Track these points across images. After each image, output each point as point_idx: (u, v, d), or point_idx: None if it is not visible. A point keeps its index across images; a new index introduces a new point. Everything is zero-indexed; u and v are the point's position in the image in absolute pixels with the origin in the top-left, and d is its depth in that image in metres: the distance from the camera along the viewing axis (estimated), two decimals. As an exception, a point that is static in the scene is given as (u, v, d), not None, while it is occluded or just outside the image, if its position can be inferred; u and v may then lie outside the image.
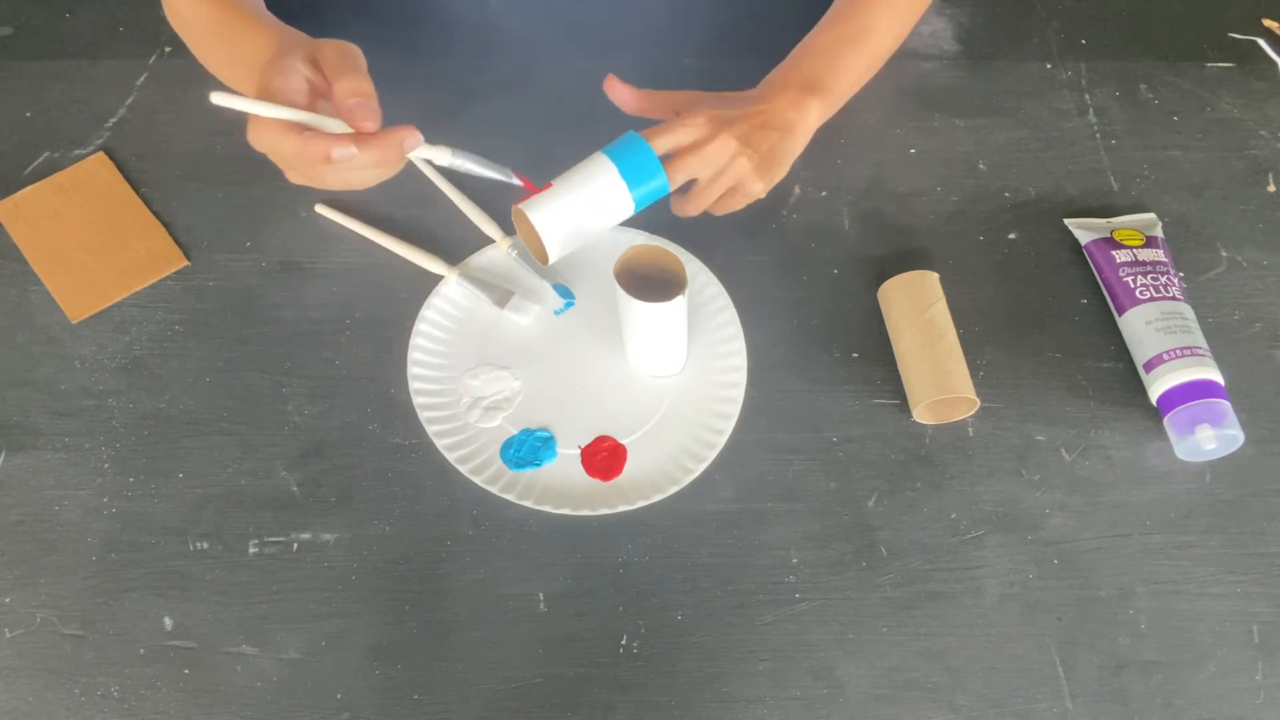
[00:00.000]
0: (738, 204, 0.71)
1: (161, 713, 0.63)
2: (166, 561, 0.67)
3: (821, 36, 0.75)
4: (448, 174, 0.74)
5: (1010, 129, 0.84)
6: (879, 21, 0.76)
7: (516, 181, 0.64)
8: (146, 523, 0.68)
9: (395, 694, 0.63)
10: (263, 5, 0.72)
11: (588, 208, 0.65)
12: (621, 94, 0.71)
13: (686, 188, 0.71)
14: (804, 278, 0.77)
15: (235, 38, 0.68)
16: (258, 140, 0.58)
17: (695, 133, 0.67)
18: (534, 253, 0.67)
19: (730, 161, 0.68)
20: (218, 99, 0.56)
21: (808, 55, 0.74)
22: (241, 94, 0.57)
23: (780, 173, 0.71)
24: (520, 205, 0.65)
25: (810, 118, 0.72)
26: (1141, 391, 0.72)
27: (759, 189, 0.70)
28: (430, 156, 0.61)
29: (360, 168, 0.58)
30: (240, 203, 0.79)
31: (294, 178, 0.61)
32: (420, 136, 0.59)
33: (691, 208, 0.71)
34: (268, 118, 0.56)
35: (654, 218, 0.73)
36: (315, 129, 0.57)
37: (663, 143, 0.66)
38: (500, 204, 0.78)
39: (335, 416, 0.71)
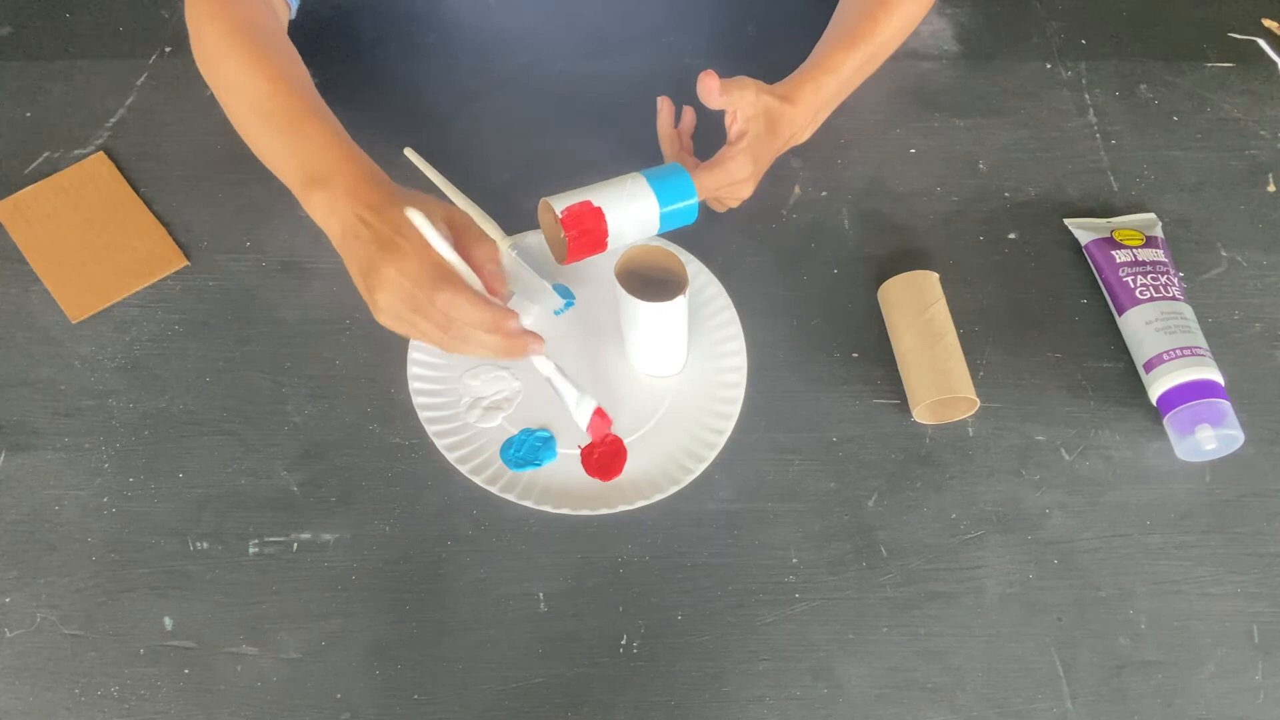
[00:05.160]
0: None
1: (161, 713, 0.63)
2: (166, 561, 0.67)
3: (848, 58, 0.75)
4: (447, 174, 0.74)
5: (1010, 129, 0.84)
6: (894, 35, 0.77)
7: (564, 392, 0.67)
8: (146, 523, 0.68)
9: (395, 694, 0.63)
10: (323, 104, 0.68)
11: (616, 213, 0.64)
12: (711, 86, 0.68)
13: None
14: (804, 278, 0.77)
15: (301, 133, 0.65)
16: (449, 301, 0.59)
17: (735, 178, 0.69)
18: (553, 250, 0.67)
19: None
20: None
21: (830, 74, 0.74)
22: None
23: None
24: (550, 199, 0.64)
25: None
26: (1141, 391, 0.72)
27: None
28: (538, 364, 0.66)
29: (491, 352, 0.62)
30: (240, 203, 0.79)
31: (395, 322, 0.62)
32: (543, 345, 0.64)
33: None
34: (469, 289, 0.60)
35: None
36: (504, 309, 0.62)
37: (708, 183, 0.67)
38: (500, 204, 0.78)
39: (335, 416, 0.71)
